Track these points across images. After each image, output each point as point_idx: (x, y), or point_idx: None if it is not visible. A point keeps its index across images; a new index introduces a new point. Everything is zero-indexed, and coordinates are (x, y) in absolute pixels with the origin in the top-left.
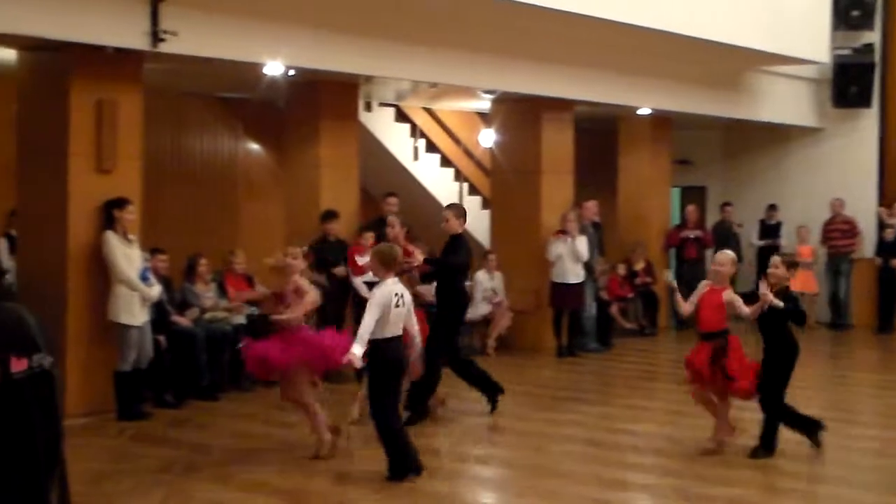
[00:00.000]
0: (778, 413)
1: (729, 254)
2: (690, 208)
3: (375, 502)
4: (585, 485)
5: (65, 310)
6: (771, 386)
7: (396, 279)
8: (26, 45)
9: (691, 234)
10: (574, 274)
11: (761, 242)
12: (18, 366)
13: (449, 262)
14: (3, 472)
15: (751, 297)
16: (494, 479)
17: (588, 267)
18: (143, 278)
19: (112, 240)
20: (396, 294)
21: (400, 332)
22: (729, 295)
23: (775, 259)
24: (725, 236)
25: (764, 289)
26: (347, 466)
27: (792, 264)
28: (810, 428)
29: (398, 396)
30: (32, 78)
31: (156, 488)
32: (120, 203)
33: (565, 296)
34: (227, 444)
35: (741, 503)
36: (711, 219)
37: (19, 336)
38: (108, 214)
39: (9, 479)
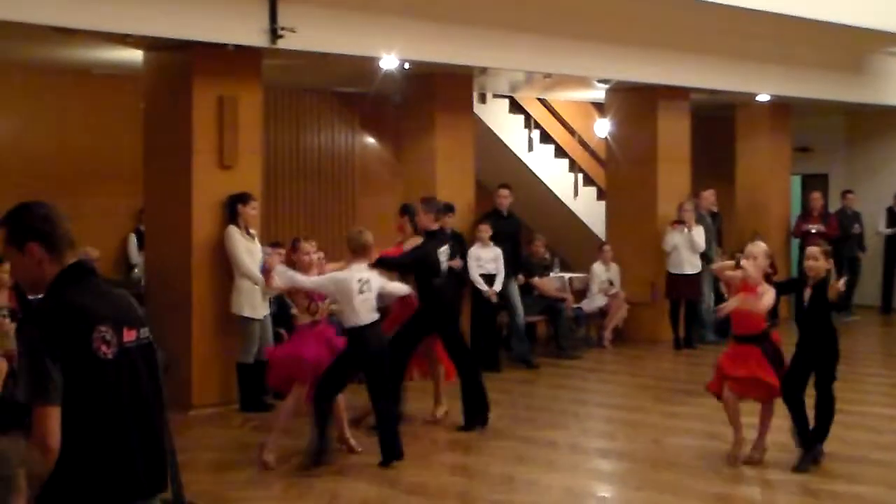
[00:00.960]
0: (831, 406)
1: (761, 245)
2: (815, 195)
3: (501, 493)
4: (705, 479)
5: (189, 303)
6: (825, 379)
7: (364, 266)
8: (150, 45)
9: (813, 228)
10: (691, 264)
11: (888, 231)
12: (129, 335)
13: (392, 261)
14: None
15: (789, 286)
16: (613, 473)
17: (705, 257)
18: (263, 271)
19: (235, 234)
20: (360, 280)
21: (375, 318)
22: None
23: (813, 250)
24: (847, 225)
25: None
26: (465, 460)
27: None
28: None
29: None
30: (157, 78)
31: (277, 479)
32: (244, 198)
33: (682, 287)
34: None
35: (866, 500)
36: (832, 207)
37: (129, 312)
38: (232, 209)
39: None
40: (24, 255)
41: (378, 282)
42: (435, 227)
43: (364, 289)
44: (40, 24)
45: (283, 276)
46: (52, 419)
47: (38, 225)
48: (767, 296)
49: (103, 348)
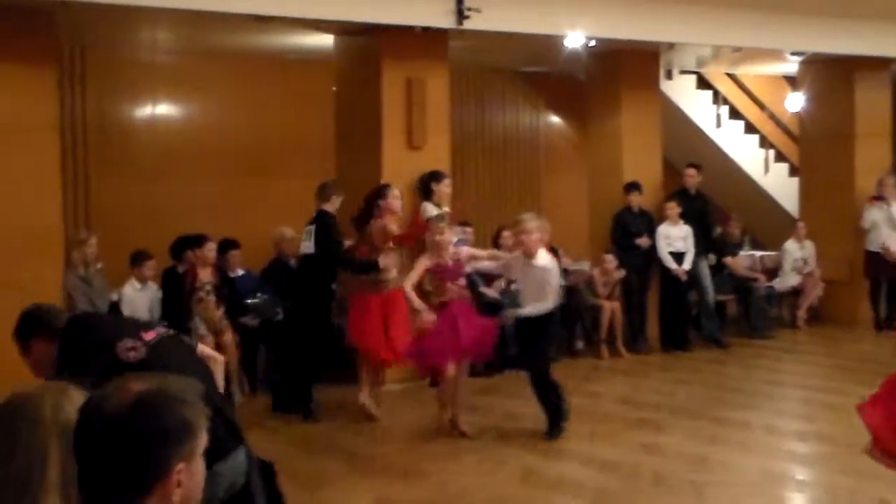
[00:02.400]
0: None
1: None
2: None
3: (695, 473)
4: None
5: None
6: None
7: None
8: (341, 30)
9: None
10: (892, 241)
11: None
12: (149, 336)
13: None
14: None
15: None
16: (813, 456)
17: None
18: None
19: (430, 211)
20: None
21: None
22: None
23: None
24: None
25: None
26: (657, 439)
27: None
28: None
29: None
30: (347, 61)
31: (469, 453)
32: (437, 176)
33: (882, 265)
34: (536, 412)
35: None
36: None
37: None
38: (426, 187)
39: None
40: None
41: None
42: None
43: None
44: (240, 14)
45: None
46: None
47: None
48: None
49: None
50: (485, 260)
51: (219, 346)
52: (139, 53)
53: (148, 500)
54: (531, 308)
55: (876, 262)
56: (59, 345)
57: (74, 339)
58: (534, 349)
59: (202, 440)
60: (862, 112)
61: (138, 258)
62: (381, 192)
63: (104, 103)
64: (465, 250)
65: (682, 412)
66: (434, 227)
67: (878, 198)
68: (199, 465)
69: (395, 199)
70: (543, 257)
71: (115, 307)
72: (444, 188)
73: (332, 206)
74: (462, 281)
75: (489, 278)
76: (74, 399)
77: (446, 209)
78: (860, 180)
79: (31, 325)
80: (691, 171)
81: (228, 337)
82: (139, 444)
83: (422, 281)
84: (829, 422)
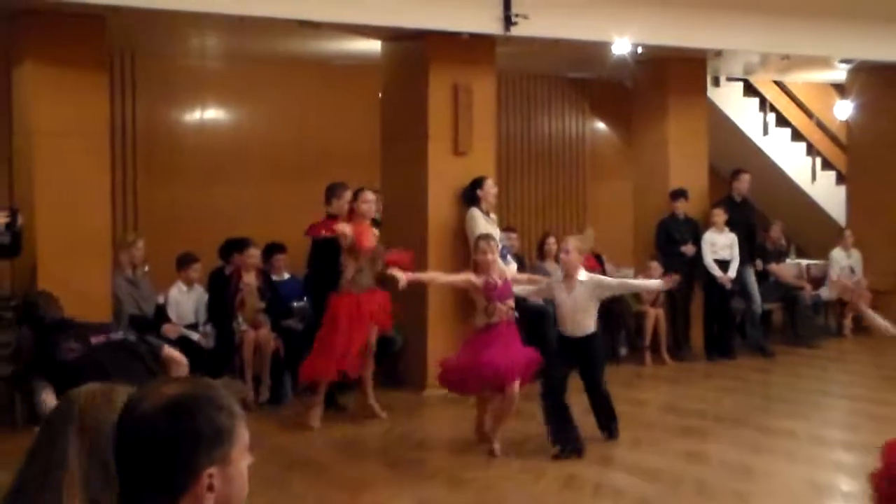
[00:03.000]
0: None
1: None
2: None
3: (740, 483)
4: None
5: (425, 286)
6: None
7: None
8: (388, 35)
9: None
10: None
11: None
12: (97, 339)
13: None
14: None
15: None
16: (859, 466)
17: None
18: (502, 256)
19: (477, 216)
20: None
21: None
22: None
23: None
24: None
25: None
26: (701, 447)
27: None
28: None
29: None
30: (394, 66)
31: (512, 459)
32: (480, 182)
33: None
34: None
35: None
36: None
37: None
38: (472, 193)
39: None
40: None
41: None
42: None
43: None
44: (288, 19)
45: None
46: None
47: None
48: None
49: None
50: (524, 283)
51: (257, 340)
52: (188, 59)
53: (180, 502)
54: (572, 329)
55: None
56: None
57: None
58: (590, 373)
59: (239, 446)
60: None
61: (184, 261)
62: (354, 194)
63: (153, 109)
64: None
65: (726, 420)
66: (478, 247)
67: None
68: (237, 471)
69: (364, 203)
70: (583, 276)
71: (160, 309)
72: (490, 189)
73: (332, 209)
74: (512, 302)
75: None
76: (116, 401)
77: (494, 216)
78: None
79: None
80: (746, 177)
81: (266, 331)
82: (167, 446)
83: (467, 291)
84: (875, 432)
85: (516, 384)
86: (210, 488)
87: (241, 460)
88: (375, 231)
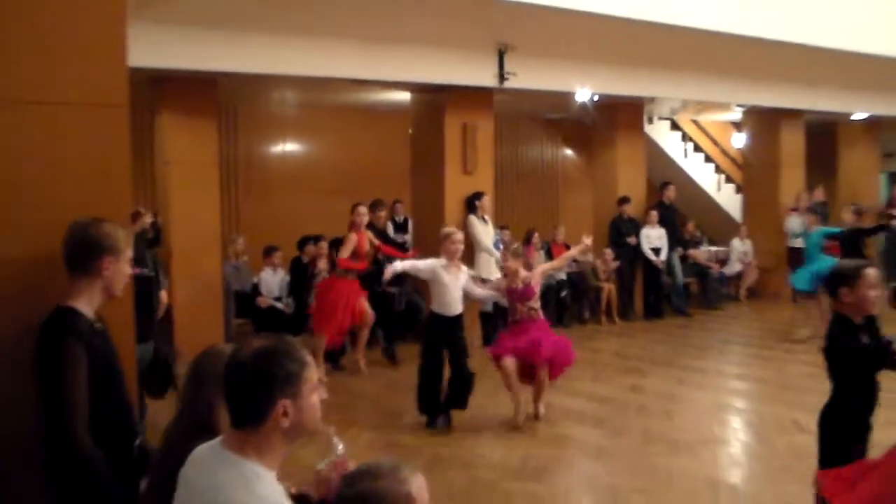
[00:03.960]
0: None
1: None
2: None
3: (668, 406)
4: (820, 396)
5: None
6: None
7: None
8: (416, 89)
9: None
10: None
11: None
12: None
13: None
14: None
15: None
16: (748, 391)
17: None
18: (496, 247)
19: (474, 222)
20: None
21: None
22: None
23: None
24: None
25: None
26: (639, 381)
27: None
28: None
29: None
30: (420, 110)
31: (503, 392)
32: (479, 195)
33: (798, 257)
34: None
35: None
36: None
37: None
38: (471, 203)
39: None
40: None
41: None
42: None
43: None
44: (344, 78)
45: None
46: None
47: None
48: None
49: None
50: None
51: None
52: (272, 108)
53: (265, 425)
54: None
55: (793, 254)
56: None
57: None
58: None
59: (307, 385)
60: (784, 149)
61: (269, 251)
62: (351, 209)
63: (249, 144)
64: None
65: (658, 362)
66: (505, 257)
67: (795, 209)
68: (307, 404)
69: (357, 216)
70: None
71: (255, 287)
72: (486, 203)
73: (376, 220)
74: (533, 303)
75: None
76: (224, 354)
77: (488, 218)
78: (782, 197)
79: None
80: (672, 188)
81: None
82: (252, 383)
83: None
84: (760, 367)
85: (509, 361)
86: (285, 414)
87: (311, 396)
88: (370, 236)
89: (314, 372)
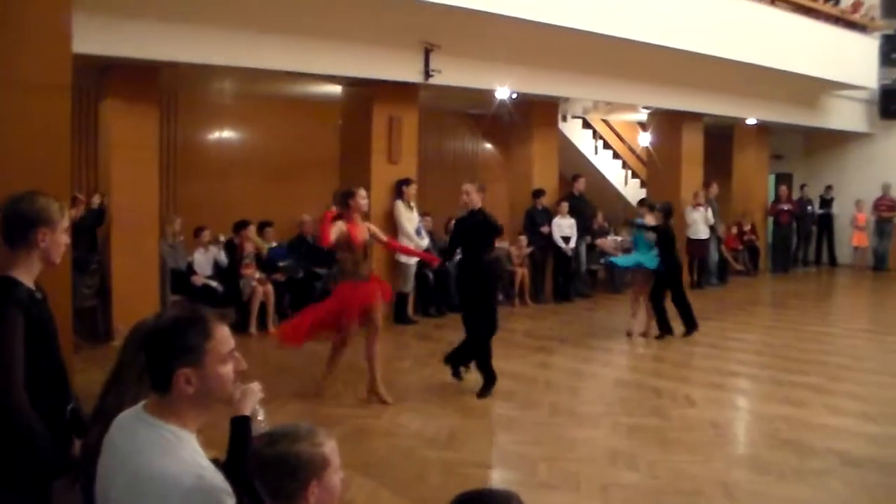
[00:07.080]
0: None
1: None
2: (783, 188)
3: (574, 382)
4: (709, 373)
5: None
6: None
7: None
8: (345, 82)
9: (785, 206)
10: (704, 232)
11: (821, 211)
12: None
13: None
14: None
15: None
16: (645, 367)
17: (712, 228)
18: (418, 233)
19: (400, 207)
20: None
21: None
22: None
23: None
24: (804, 207)
25: None
26: (547, 359)
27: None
28: None
29: None
30: (349, 103)
31: (425, 368)
32: (407, 182)
33: (697, 247)
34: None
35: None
36: (794, 195)
37: None
38: (399, 189)
39: None
40: None
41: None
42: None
43: None
44: (278, 70)
45: None
46: None
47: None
48: None
49: None
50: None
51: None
52: (211, 97)
53: (171, 392)
54: None
55: (692, 245)
56: None
57: None
58: None
59: (212, 356)
60: (685, 148)
61: (198, 231)
62: (351, 193)
63: (187, 130)
64: None
65: (566, 341)
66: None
67: (697, 204)
68: (214, 372)
69: (362, 199)
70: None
71: (190, 266)
72: (411, 190)
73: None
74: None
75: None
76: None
77: (412, 205)
78: (684, 192)
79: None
80: (582, 180)
81: (262, 282)
82: (155, 351)
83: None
84: (660, 347)
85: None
86: (188, 382)
87: (217, 366)
88: (370, 225)
89: (223, 344)
